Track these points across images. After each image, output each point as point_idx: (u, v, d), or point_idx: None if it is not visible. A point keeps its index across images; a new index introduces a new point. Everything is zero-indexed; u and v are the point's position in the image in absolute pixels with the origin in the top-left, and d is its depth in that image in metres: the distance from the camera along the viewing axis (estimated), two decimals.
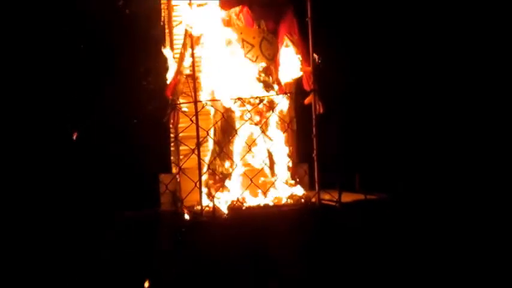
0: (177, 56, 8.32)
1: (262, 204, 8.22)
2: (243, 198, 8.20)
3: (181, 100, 8.24)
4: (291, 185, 8.51)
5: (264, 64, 8.42)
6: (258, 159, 8.50)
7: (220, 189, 8.29)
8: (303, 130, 8.60)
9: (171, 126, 8.43)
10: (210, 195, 8.17)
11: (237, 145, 8.41)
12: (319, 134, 8.25)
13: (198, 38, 8.25)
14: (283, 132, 8.55)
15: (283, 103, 8.51)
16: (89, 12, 8.54)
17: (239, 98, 8.21)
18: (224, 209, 8.07)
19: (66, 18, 8.66)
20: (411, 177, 8.28)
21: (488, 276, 8.66)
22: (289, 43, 8.61)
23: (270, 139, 8.45)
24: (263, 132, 8.41)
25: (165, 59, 8.37)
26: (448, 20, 9.64)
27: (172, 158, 8.60)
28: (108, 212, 8.21)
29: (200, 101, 8.08)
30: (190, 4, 8.04)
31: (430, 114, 9.38)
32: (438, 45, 9.62)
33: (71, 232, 8.40)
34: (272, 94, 8.43)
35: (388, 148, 9.20)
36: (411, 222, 8.27)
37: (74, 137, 8.56)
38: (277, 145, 8.54)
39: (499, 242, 8.94)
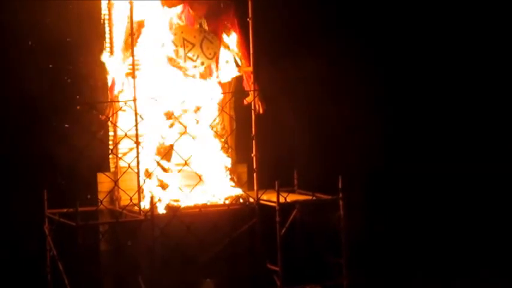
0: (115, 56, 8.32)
1: (200, 204, 8.22)
2: (181, 198, 8.18)
3: (120, 98, 8.22)
4: (230, 185, 8.52)
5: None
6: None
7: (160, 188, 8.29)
8: (243, 130, 8.62)
9: (109, 124, 8.39)
10: (149, 195, 8.14)
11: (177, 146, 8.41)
12: (259, 134, 8.30)
13: (138, 34, 8.25)
14: (222, 132, 8.59)
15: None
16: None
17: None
18: (162, 208, 8.07)
19: None
20: (350, 175, 8.35)
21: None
22: (230, 43, 8.62)
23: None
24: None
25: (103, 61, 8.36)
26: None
27: (110, 156, 8.52)
28: (41, 211, 8.17)
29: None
30: (131, 2, 7.99)
31: (367, 114, 9.49)
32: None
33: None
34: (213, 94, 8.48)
35: (327, 147, 9.28)
36: (350, 220, 8.38)
37: None
38: (216, 145, 8.56)
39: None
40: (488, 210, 9.94)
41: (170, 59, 8.40)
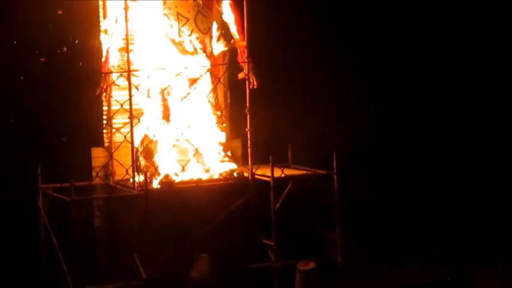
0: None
1: (194, 179, 8.21)
2: (175, 173, 8.18)
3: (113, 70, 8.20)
4: (224, 160, 8.51)
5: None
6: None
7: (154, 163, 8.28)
8: (237, 105, 8.61)
9: (103, 99, 8.36)
10: (144, 170, 8.13)
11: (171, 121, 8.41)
12: (253, 109, 8.28)
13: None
14: (217, 107, 8.58)
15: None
16: None
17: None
18: (156, 183, 8.06)
19: None
20: (344, 150, 8.38)
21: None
22: (224, 16, 8.60)
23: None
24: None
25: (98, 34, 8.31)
26: None
27: (104, 131, 8.51)
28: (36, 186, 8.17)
29: (135, 70, 8.06)
30: None
31: (363, 88, 9.53)
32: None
33: None
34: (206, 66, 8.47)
35: (322, 123, 9.31)
36: (344, 194, 8.40)
37: None
38: (210, 120, 8.54)
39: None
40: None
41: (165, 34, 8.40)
